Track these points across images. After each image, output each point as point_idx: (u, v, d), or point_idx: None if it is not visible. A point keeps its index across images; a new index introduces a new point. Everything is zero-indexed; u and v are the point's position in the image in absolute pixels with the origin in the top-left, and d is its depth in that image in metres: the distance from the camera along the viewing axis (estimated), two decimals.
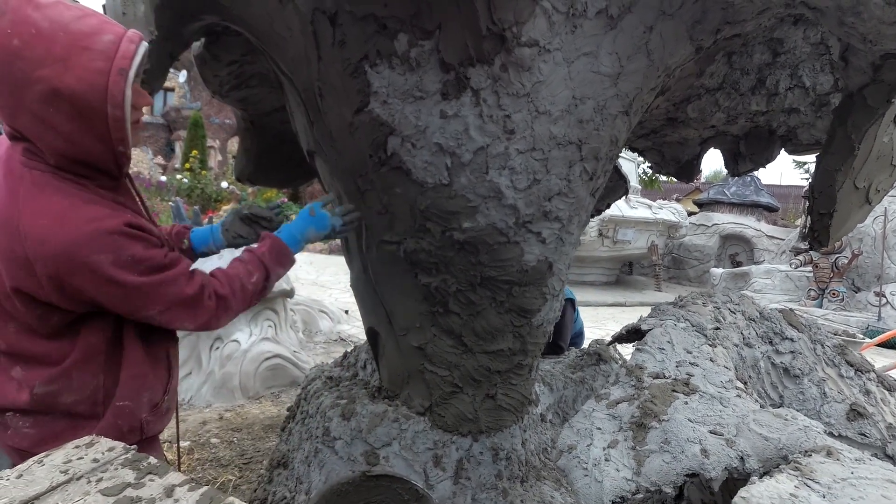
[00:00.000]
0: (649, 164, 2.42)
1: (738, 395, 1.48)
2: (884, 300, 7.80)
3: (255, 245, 1.23)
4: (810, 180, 1.40)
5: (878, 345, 5.61)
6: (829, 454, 1.16)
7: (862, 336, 5.25)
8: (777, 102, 1.85)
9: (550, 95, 1.17)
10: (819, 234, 1.37)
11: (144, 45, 0.94)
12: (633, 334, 1.98)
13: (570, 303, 2.83)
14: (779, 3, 1.18)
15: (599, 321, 7.47)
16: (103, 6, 1.38)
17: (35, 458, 0.81)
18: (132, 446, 0.85)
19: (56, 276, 0.92)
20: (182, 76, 19.39)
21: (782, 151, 2.05)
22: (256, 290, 1.16)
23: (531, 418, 1.65)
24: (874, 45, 1.04)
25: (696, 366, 1.62)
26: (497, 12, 1.04)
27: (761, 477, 1.12)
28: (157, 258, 1.00)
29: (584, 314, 3.27)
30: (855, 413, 1.62)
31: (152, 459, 0.82)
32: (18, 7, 0.85)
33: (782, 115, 1.89)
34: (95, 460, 0.80)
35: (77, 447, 0.84)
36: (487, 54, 1.09)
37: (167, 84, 19.17)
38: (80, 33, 0.86)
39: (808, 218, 1.44)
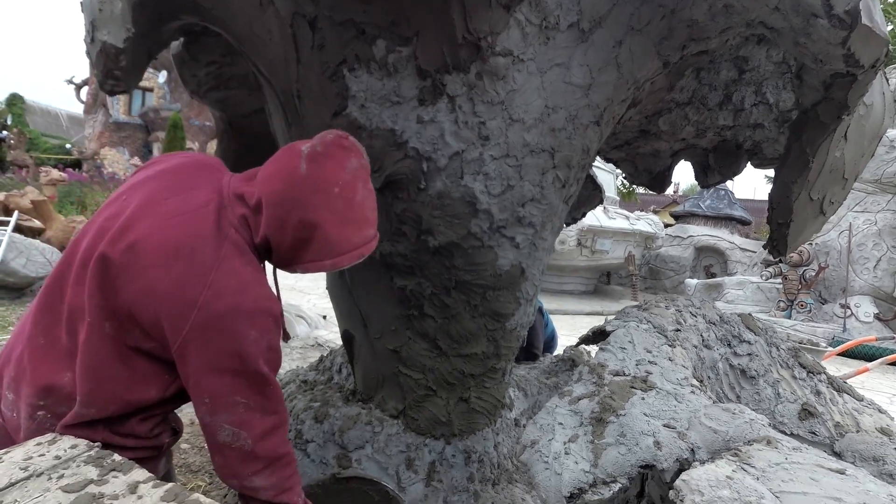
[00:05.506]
0: (625, 176, 2.49)
1: (693, 392, 1.54)
2: (848, 312, 8.09)
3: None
4: (769, 192, 1.46)
5: (841, 354, 5.81)
6: (768, 443, 1.22)
7: (825, 345, 5.43)
8: (743, 118, 1.93)
9: (524, 104, 1.20)
10: (778, 244, 1.44)
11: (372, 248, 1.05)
12: (598, 335, 2.03)
13: (538, 310, 2.90)
14: (739, 22, 1.24)
15: (577, 329, 7.55)
16: (81, 3, 1.36)
17: None
18: (96, 443, 0.84)
19: (197, 327, 0.89)
20: (162, 77, 19.03)
21: (749, 165, 2.14)
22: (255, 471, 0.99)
23: (504, 422, 1.67)
24: (824, 65, 1.11)
25: (655, 364, 1.67)
26: (472, 22, 1.08)
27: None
28: (279, 361, 1.00)
29: (563, 323, 3.30)
30: (806, 412, 1.69)
31: (116, 457, 0.81)
32: (337, 168, 0.97)
33: (748, 129, 1.97)
34: (57, 457, 0.79)
35: (39, 444, 0.82)
36: (463, 62, 1.12)
37: (146, 84, 18.77)
38: (361, 217, 1.01)
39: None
